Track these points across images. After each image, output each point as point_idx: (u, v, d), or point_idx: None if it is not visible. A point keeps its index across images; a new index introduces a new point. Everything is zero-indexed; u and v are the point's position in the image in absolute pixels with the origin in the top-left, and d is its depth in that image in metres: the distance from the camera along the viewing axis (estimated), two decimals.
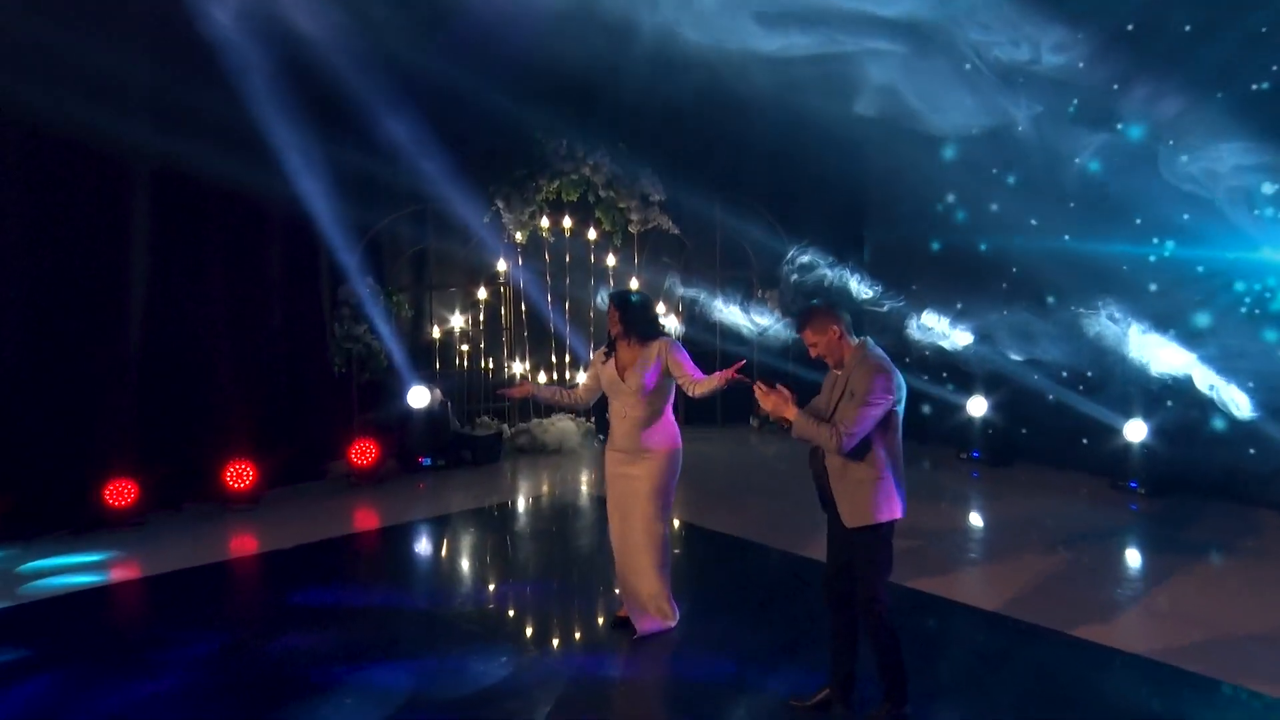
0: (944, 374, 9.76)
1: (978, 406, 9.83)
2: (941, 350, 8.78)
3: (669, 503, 5.73)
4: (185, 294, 8.65)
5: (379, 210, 9.77)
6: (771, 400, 4.74)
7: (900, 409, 4.78)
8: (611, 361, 5.73)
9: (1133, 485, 8.70)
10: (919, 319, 8.42)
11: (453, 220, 10.14)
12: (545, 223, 10.46)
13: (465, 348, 10.51)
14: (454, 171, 9.49)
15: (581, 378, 10.40)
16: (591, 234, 10.63)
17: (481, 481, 9.37)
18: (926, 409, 9.94)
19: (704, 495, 8.71)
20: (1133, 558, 7.32)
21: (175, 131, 8.00)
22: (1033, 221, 8.94)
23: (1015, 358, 8.72)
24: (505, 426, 10.35)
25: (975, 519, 8.23)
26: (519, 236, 10.28)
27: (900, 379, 4.77)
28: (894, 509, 4.80)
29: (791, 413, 4.72)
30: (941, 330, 8.30)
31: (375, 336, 9.68)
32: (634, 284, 10.19)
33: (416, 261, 10.34)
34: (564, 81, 9.42)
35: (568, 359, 10.74)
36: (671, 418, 5.67)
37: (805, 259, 7.56)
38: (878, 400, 4.65)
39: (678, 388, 5.69)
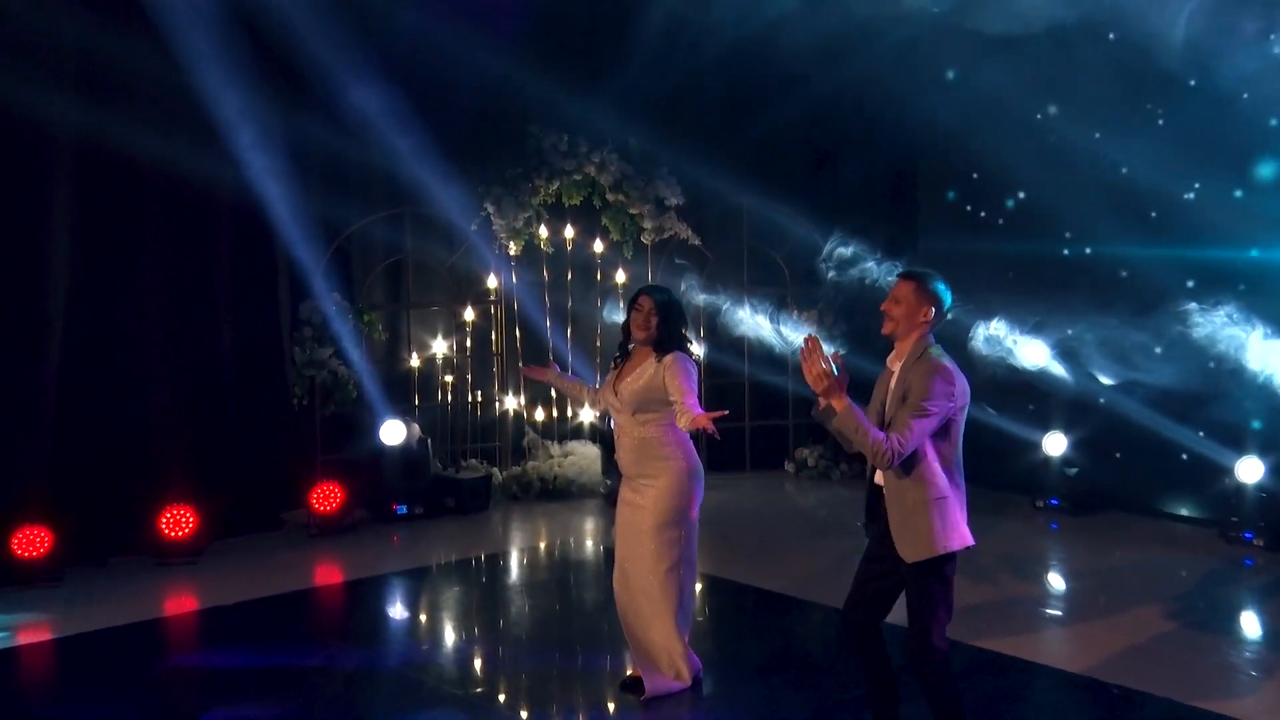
0: (1015, 401, 9.60)
1: (1056, 444, 9.65)
2: (1013, 370, 8.54)
3: (684, 537, 5.59)
4: (115, 304, 8.55)
5: (349, 211, 9.76)
6: (825, 380, 4.55)
7: (963, 417, 4.72)
8: (615, 373, 5.71)
9: (1247, 536, 8.52)
10: (986, 330, 8.19)
11: (435, 226, 10.10)
12: (543, 232, 10.40)
13: (449, 378, 10.43)
14: (437, 167, 9.45)
15: (587, 414, 10.63)
16: (598, 246, 10.58)
17: (467, 532, 9.25)
18: (994, 445, 9.79)
19: (733, 547, 8.62)
20: (1249, 621, 7.15)
21: (105, 101, 7.88)
22: (1153, 214, 8.86)
23: (1106, 380, 8.60)
24: (496, 470, 10.23)
25: (1056, 576, 8.08)
26: (512, 247, 10.21)
27: (963, 383, 4.72)
28: (962, 534, 4.72)
29: (841, 402, 4.59)
30: (1010, 345, 8.09)
31: (343, 362, 9.65)
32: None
33: (392, 275, 10.30)
34: (564, 55, 9.45)
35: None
36: (682, 435, 5.58)
37: (845, 251, 7.36)
38: (936, 406, 4.60)
39: None
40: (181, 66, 7.83)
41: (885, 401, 4.81)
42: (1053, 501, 9.56)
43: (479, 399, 10.48)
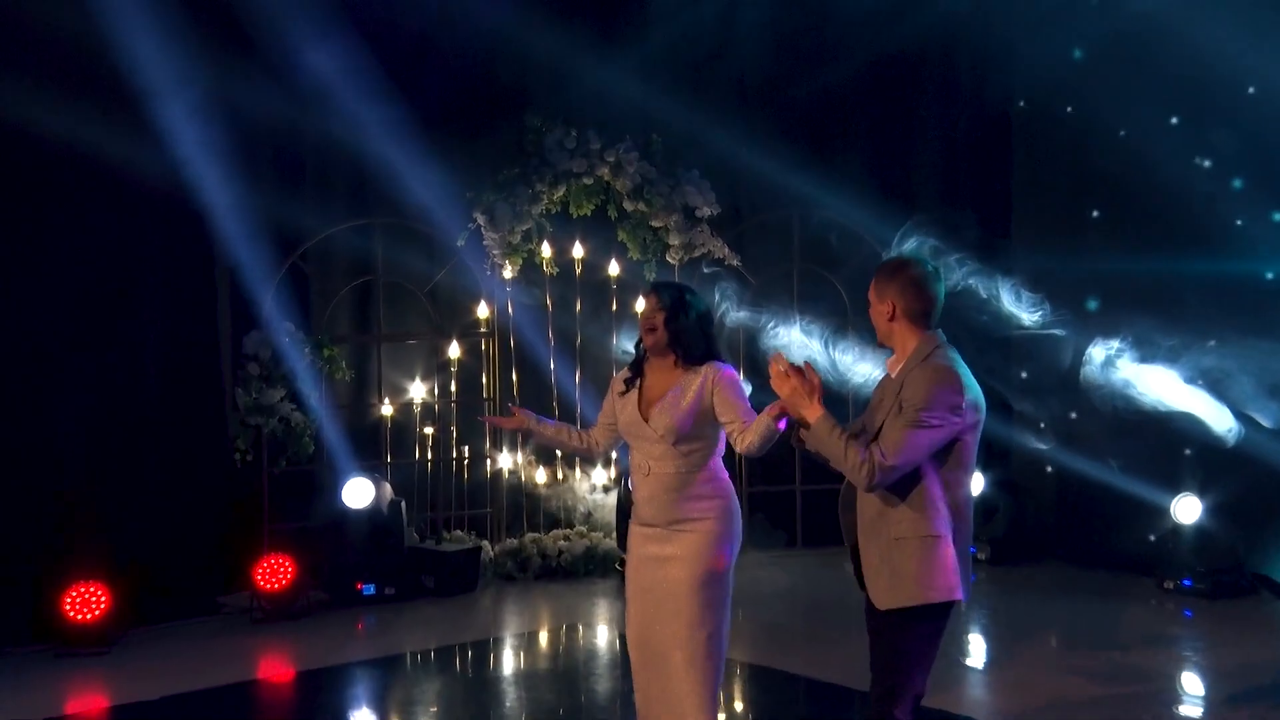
0: (1135, 451, 9.38)
1: (1189, 509, 9.39)
2: (1135, 409, 8.27)
3: (722, 600, 5.53)
4: (9, 326, 8.44)
5: (307, 219, 9.78)
6: (789, 385, 4.69)
7: (975, 438, 4.70)
8: (634, 393, 5.67)
9: None
10: (1100, 353, 7.99)
11: (413, 240, 10.10)
12: (546, 249, 10.29)
13: (429, 429, 10.36)
14: (416, 166, 9.44)
15: (600, 476, 10.51)
16: (613, 268, 10.47)
17: (450, 616, 9.11)
18: (1106, 510, 9.57)
19: (783, 635, 8.51)
20: None
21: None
22: None
23: (1264, 422, 8.32)
24: (486, 543, 10.09)
25: (1192, 676, 7.73)
26: (508, 268, 10.11)
27: (977, 394, 4.70)
28: (950, 585, 4.67)
29: (814, 411, 4.68)
30: (1130, 375, 7.88)
31: (297, 407, 9.64)
32: None
33: (360, 300, 10.30)
34: (572, 19, 9.54)
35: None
36: (721, 471, 5.59)
37: (917, 245, 7.19)
38: (935, 419, 4.56)
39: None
40: (99, 23, 7.86)
41: (876, 416, 4.79)
42: (1185, 583, 9.34)
43: (466, 455, 10.37)
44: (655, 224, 10.27)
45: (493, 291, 10.21)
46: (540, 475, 10.43)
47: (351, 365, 10.06)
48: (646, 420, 5.55)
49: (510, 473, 10.35)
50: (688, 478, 5.50)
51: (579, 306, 10.42)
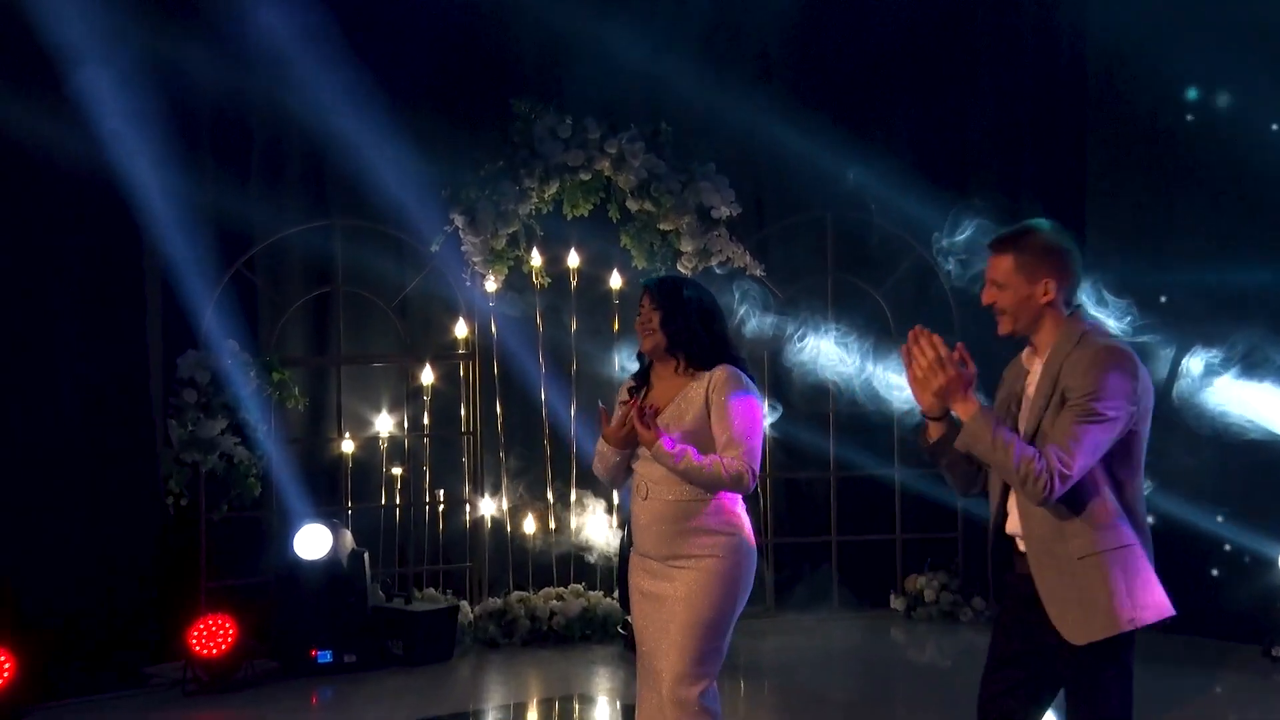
0: (1236, 489, 9.26)
1: None
2: (1239, 433, 8.20)
3: (716, 654, 5.66)
4: None
5: (254, 217, 9.78)
6: (943, 373, 4.70)
7: (1148, 428, 4.75)
8: (632, 404, 5.74)
9: None
10: (1194, 364, 8.01)
11: (380, 246, 10.08)
12: (536, 257, 10.20)
13: (398, 470, 10.30)
14: (383, 156, 9.42)
15: (600, 530, 10.46)
16: (615, 280, 10.36)
17: (421, 688, 8.98)
18: (1195, 564, 9.43)
19: (826, 708, 8.56)
20: None
21: None
22: None
23: None
24: (465, 603, 9.97)
25: None
26: (491, 279, 10.02)
27: (1148, 379, 4.74)
28: (1158, 601, 4.72)
29: (968, 404, 4.67)
30: (1226, 393, 7.87)
31: (242, 442, 9.59)
32: None
33: (316, 315, 10.30)
34: None
35: (574, 489, 10.34)
36: (735, 502, 5.71)
37: (973, 231, 7.15)
38: (1111, 410, 4.59)
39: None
40: None
41: (1021, 415, 4.84)
42: None
43: (441, 500, 10.29)
44: (664, 227, 10.15)
45: (473, 306, 10.12)
46: (529, 524, 10.31)
47: (306, 392, 10.03)
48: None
49: (493, 520, 10.24)
50: (691, 507, 5.58)
51: (574, 324, 10.28)
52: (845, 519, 10.67)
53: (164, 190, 8.85)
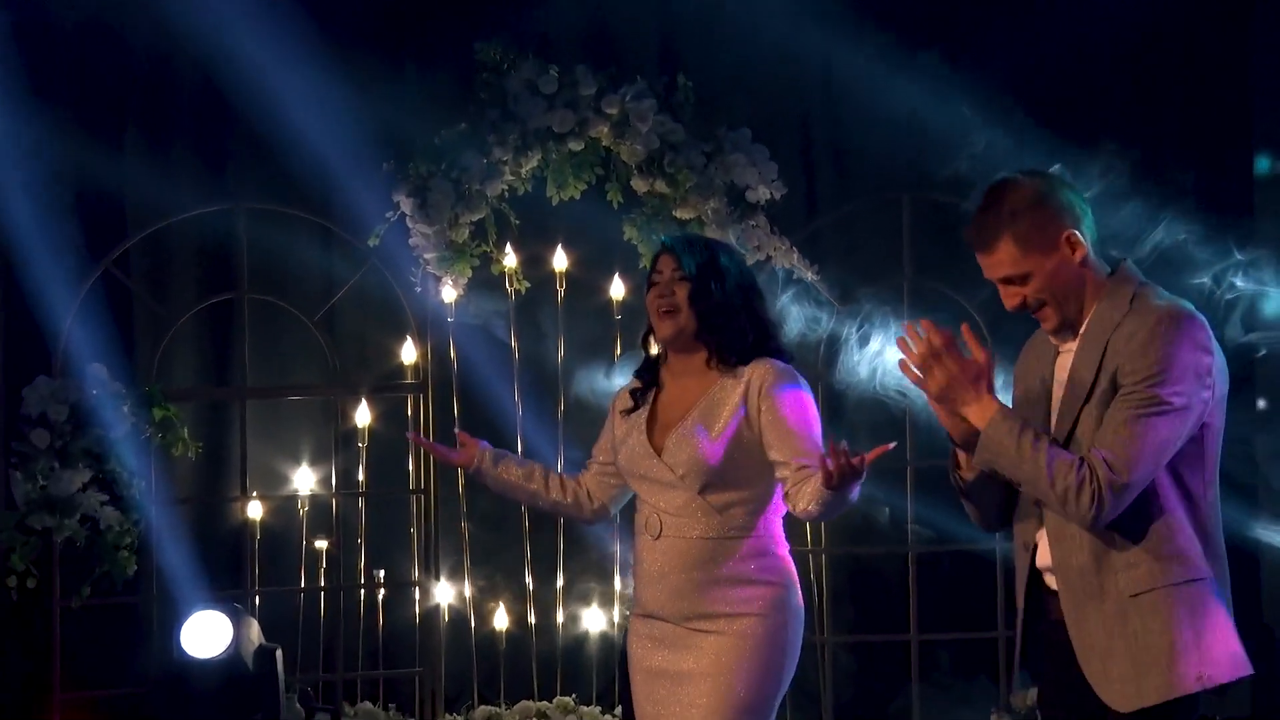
0: None
1: None
2: None
3: None
4: None
5: (131, 201, 9.87)
6: (943, 369, 4.71)
7: (1223, 419, 4.77)
8: (644, 411, 5.97)
9: None
10: None
11: (299, 239, 10.04)
12: (511, 256, 9.93)
13: (323, 542, 10.07)
14: (305, 114, 9.42)
15: (596, 620, 10.36)
16: (616, 287, 10.07)
17: None
18: None
19: None
20: None
21: None
22: None
23: None
24: None
25: None
26: (449, 285, 9.76)
27: (1221, 356, 4.75)
28: (1234, 654, 4.69)
29: (985, 407, 4.67)
30: None
31: (112, 502, 9.39)
32: None
33: (213, 334, 10.22)
34: None
35: (561, 560, 10.04)
36: (779, 540, 5.83)
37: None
38: (1179, 396, 4.57)
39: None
40: None
41: (1053, 412, 4.87)
42: None
43: (382, 582, 10.05)
44: (682, 214, 9.82)
45: (425, 321, 9.88)
46: (500, 617, 10.05)
47: (200, 435, 9.82)
48: (659, 452, 5.72)
49: (450, 610, 10.00)
50: (722, 547, 5.66)
51: (562, 346, 10.04)
52: (928, 609, 10.32)
53: (8, 154, 8.88)
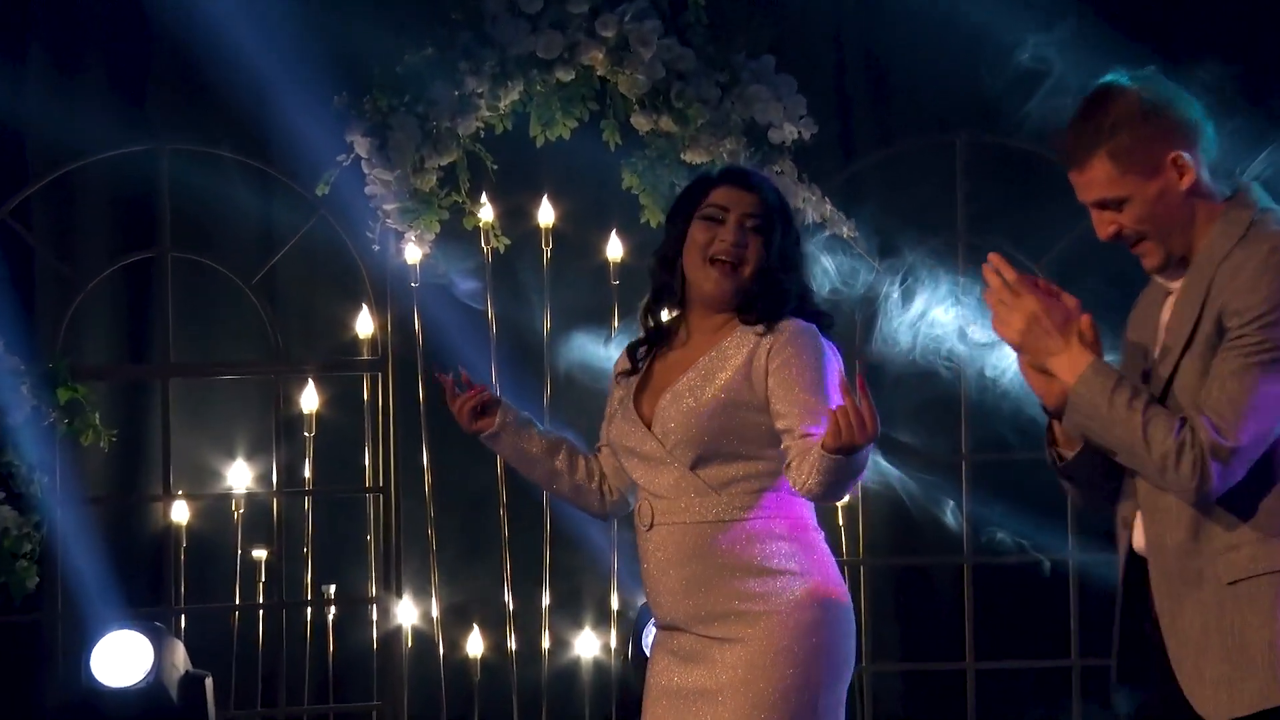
0: None
1: None
2: None
3: None
4: None
5: (33, 139, 9.91)
6: (1019, 312, 4.67)
7: None
8: (634, 379, 5.98)
9: None
10: None
11: (233, 187, 10.00)
12: (487, 208, 9.79)
13: (262, 551, 9.97)
14: (241, 35, 9.40)
15: (589, 645, 10.32)
16: (613, 246, 9.90)
17: None
18: None
19: None
20: None
21: None
22: None
23: None
24: None
25: None
26: (412, 244, 9.64)
27: None
28: None
29: (1077, 359, 4.61)
30: None
31: (9, 501, 9.41)
32: None
33: (131, 301, 10.18)
34: None
35: (548, 574, 9.91)
36: (805, 515, 5.81)
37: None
38: None
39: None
40: None
41: (1156, 360, 4.82)
42: None
43: (332, 598, 9.97)
44: (692, 157, 9.68)
45: (385, 285, 9.80)
46: (475, 641, 9.94)
47: (116, 422, 9.71)
48: (648, 423, 5.71)
49: (412, 632, 9.91)
50: (723, 531, 5.65)
51: (548, 316, 9.91)
52: (986, 631, 10.22)
53: None
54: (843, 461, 5.24)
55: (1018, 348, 4.67)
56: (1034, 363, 4.66)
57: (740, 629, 5.53)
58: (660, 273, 5.81)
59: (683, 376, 5.69)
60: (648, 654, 6.00)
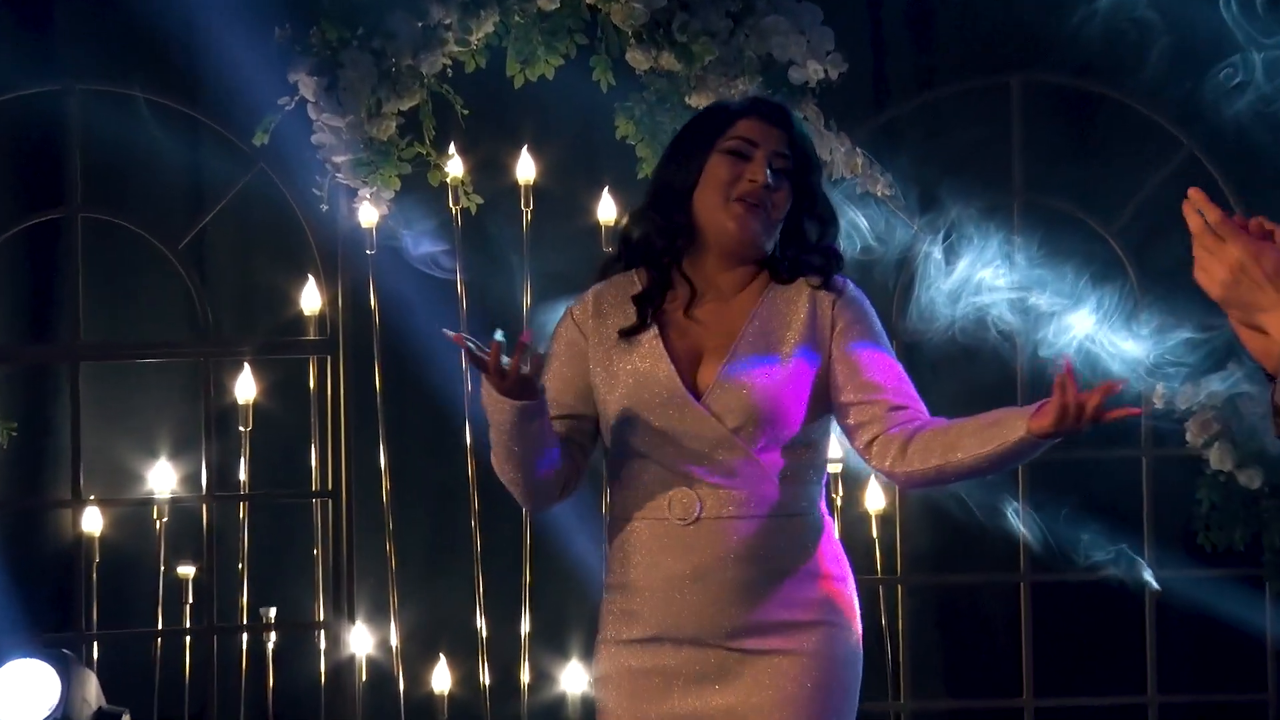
0: None
1: None
2: None
3: None
4: None
5: None
6: (1229, 256, 4.36)
7: None
8: (653, 337, 5.85)
9: None
10: None
11: (156, 134, 9.93)
12: (456, 161, 9.69)
13: (189, 567, 9.85)
14: None
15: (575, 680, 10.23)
16: (605, 206, 9.78)
17: None
18: None
19: None
20: None
21: None
22: None
23: None
24: None
25: None
26: (366, 203, 9.51)
27: None
28: None
29: None
30: None
31: None
32: None
33: (34, 269, 10.33)
34: None
35: (528, 594, 9.78)
36: (830, 518, 5.98)
37: None
38: None
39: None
40: None
41: None
42: None
43: (273, 623, 9.86)
44: (698, 100, 9.57)
45: (335, 252, 9.69)
46: (441, 674, 9.81)
47: (14, 414, 9.79)
48: (698, 392, 5.62)
49: (372, 665, 9.82)
50: (790, 528, 5.68)
51: (529, 288, 9.78)
52: (1046, 663, 10.08)
53: None
54: (1033, 449, 5.28)
55: (1223, 300, 4.28)
56: (1243, 320, 4.26)
57: (782, 640, 5.52)
58: (667, 210, 5.65)
59: (738, 339, 5.61)
60: (623, 561, 5.71)
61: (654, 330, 5.67)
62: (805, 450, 5.62)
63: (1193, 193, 4.26)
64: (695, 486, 5.57)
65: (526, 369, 5.53)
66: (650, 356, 5.64)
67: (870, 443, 5.54)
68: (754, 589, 5.54)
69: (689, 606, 5.55)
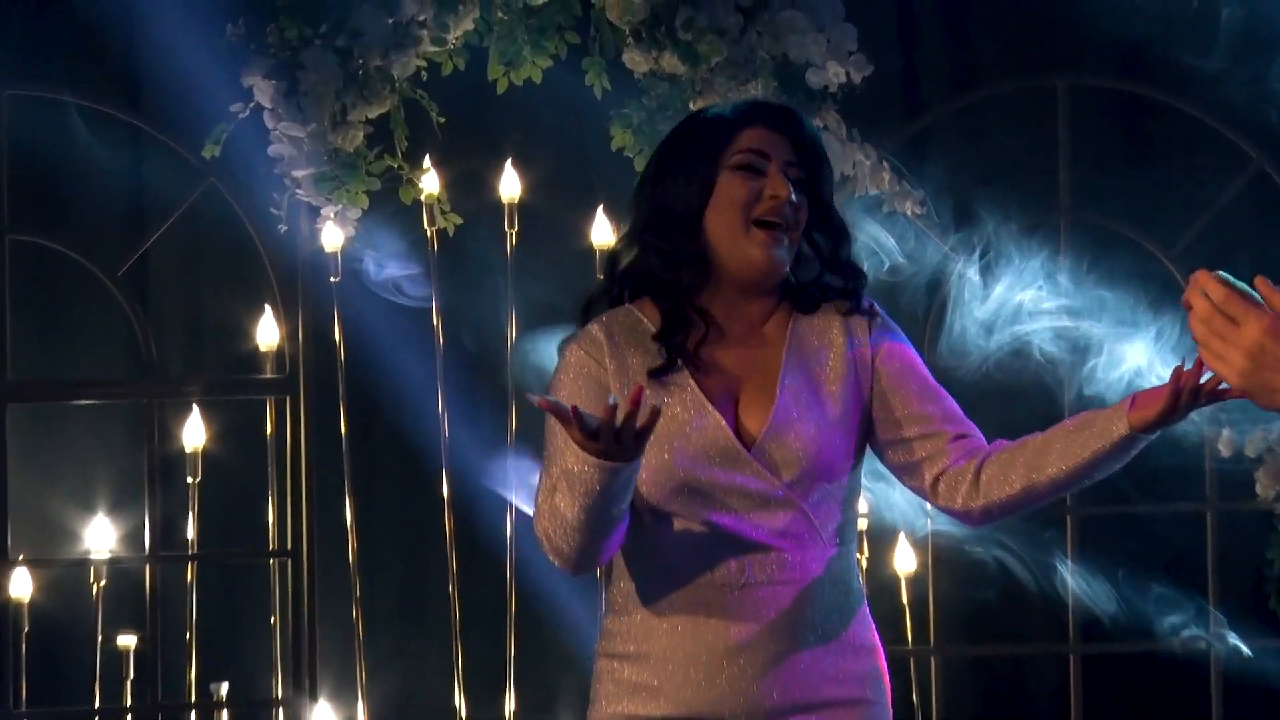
0: None
1: None
2: None
3: None
4: None
5: None
6: (1247, 338, 4.30)
7: None
8: (688, 374, 5.75)
9: None
10: None
11: (95, 148, 9.89)
12: (432, 176, 9.55)
13: (130, 638, 9.64)
14: None
15: None
16: (599, 226, 9.62)
17: None
18: None
19: None
20: None
21: None
22: None
23: None
24: None
25: None
26: (330, 225, 9.40)
27: None
28: None
29: None
30: None
31: None
32: None
33: None
34: None
35: (513, 667, 9.60)
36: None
37: None
38: None
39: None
40: None
41: None
42: None
43: (224, 699, 9.69)
44: (701, 106, 9.38)
45: (296, 277, 9.56)
46: None
47: None
48: (748, 442, 5.55)
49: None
50: (841, 592, 5.72)
51: (513, 320, 9.59)
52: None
53: None
54: (1132, 449, 5.24)
55: (1244, 393, 4.17)
56: (1270, 406, 4.13)
57: (849, 715, 5.53)
58: (671, 236, 5.48)
59: (778, 383, 5.54)
60: (643, 629, 5.58)
61: (686, 372, 5.57)
62: (851, 503, 5.60)
63: (1198, 276, 4.17)
64: (740, 547, 5.47)
65: (644, 419, 5.38)
66: (689, 403, 5.55)
67: (935, 480, 5.50)
68: (798, 663, 5.47)
69: (724, 684, 5.45)
